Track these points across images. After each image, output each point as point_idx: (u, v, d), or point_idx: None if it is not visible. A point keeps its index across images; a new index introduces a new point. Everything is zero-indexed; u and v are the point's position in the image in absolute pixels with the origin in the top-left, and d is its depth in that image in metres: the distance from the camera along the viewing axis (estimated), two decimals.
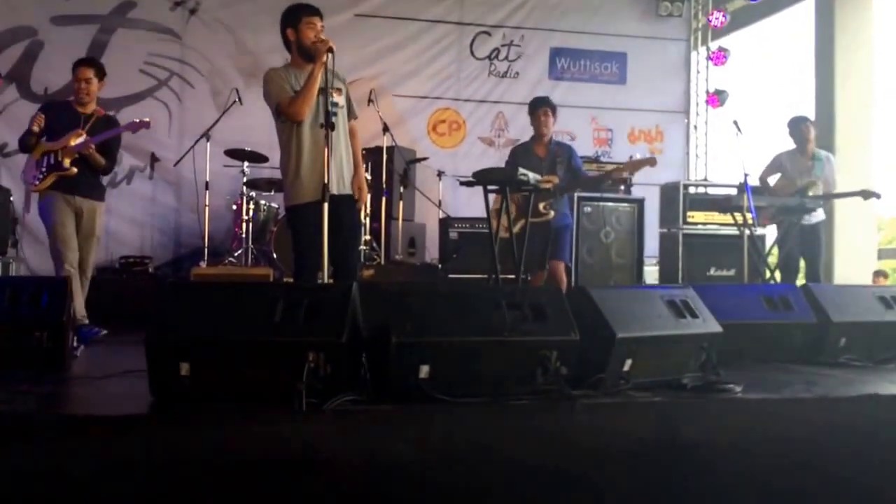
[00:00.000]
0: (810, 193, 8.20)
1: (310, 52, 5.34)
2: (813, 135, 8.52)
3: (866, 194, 8.41)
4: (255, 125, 9.83)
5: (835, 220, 10.69)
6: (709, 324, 4.68)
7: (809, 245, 8.28)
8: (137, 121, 6.70)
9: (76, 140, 6.43)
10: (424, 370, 3.86)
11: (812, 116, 11.02)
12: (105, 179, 7.02)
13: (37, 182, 6.43)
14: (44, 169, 6.42)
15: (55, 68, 9.66)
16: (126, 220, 10.28)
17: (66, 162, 6.39)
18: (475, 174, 6.45)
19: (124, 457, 3.07)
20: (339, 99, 5.44)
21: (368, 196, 5.76)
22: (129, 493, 2.79)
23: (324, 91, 5.23)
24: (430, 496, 3.00)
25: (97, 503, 2.69)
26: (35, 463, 2.95)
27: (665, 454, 3.61)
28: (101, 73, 6.75)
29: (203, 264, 8.82)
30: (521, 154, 7.51)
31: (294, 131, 5.40)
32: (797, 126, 8.53)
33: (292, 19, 5.47)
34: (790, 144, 8.58)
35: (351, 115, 5.72)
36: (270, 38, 10.55)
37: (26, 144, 6.52)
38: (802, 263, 8.39)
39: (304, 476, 3.03)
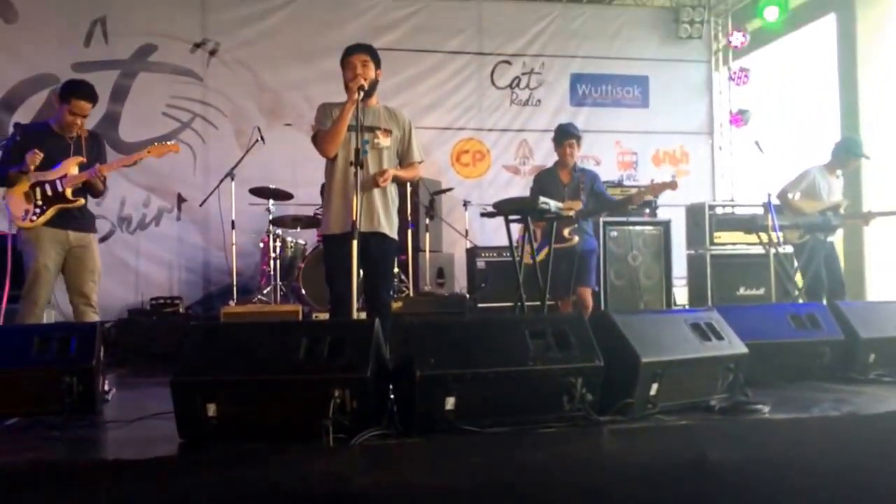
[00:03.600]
0: (842, 211, 8.18)
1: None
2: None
3: None
4: (279, 163, 10.06)
5: (864, 236, 10.63)
6: (734, 345, 4.66)
7: (829, 261, 8.22)
8: (168, 144, 6.32)
9: (75, 167, 6.00)
10: (450, 402, 3.87)
11: (837, 130, 11.00)
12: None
13: (34, 217, 5.93)
14: (39, 202, 5.94)
15: None
16: (155, 261, 10.43)
17: (69, 192, 5.98)
18: (496, 204, 6.45)
19: (156, 501, 3.09)
20: (385, 140, 5.51)
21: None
22: None
23: (355, 129, 5.23)
24: None
25: None
26: None
27: (694, 476, 3.61)
28: (95, 102, 6.18)
29: (232, 303, 8.88)
30: (544, 180, 7.56)
31: (329, 164, 5.51)
32: (848, 152, 8.43)
33: (341, 60, 5.54)
34: (815, 159, 8.51)
35: (410, 158, 5.71)
36: (290, 75, 10.94)
37: (6, 178, 6.00)
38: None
39: None
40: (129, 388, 6.22)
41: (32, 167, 5.88)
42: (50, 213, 5.97)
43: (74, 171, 6.04)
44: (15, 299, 7.31)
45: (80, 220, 6.14)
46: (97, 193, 6.27)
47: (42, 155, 5.89)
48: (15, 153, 6.01)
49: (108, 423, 4.58)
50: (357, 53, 5.49)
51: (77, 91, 6.04)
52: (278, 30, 11.08)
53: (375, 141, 5.46)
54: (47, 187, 5.96)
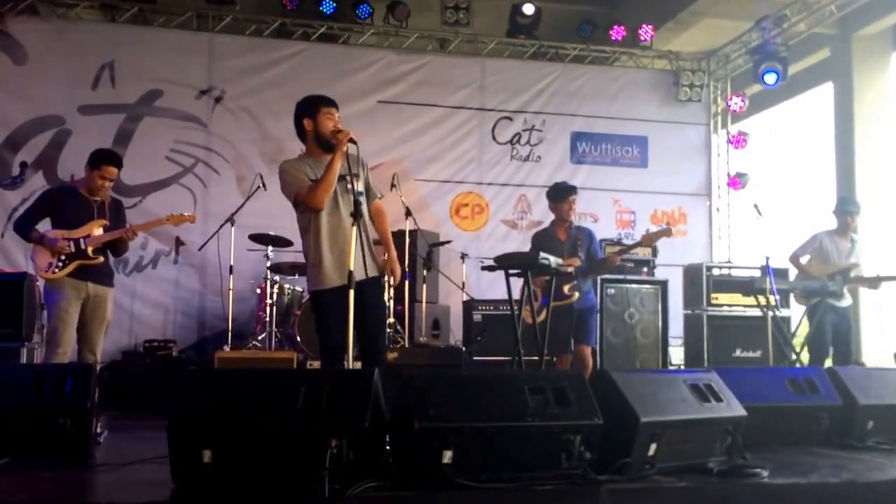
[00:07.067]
0: (852, 275, 8.21)
1: (329, 141, 5.35)
2: (857, 222, 8.56)
3: None
4: (279, 210, 9.85)
5: (860, 301, 10.66)
6: (733, 407, 4.66)
7: (842, 329, 8.25)
8: (185, 215, 6.95)
9: (98, 229, 6.46)
10: (447, 455, 3.85)
11: (834, 195, 11.12)
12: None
13: (56, 270, 6.33)
14: (63, 257, 6.34)
15: (82, 156, 9.59)
16: (151, 303, 10.37)
17: (90, 250, 6.39)
18: (497, 259, 6.45)
19: None
20: (359, 185, 5.42)
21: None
22: None
23: (344, 179, 5.25)
24: None
25: None
26: None
27: None
28: (121, 169, 6.79)
29: (227, 348, 8.83)
30: (543, 239, 7.57)
31: (313, 218, 5.38)
32: (839, 210, 8.60)
33: (310, 110, 5.50)
34: (812, 222, 8.62)
35: (373, 196, 5.69)
36: (292, 124, 10.90)
37: (28, 236, 6.49)
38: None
39: None
40: (121, 430, 6.17)
41: (60, 252, 6.36)
42: (71, 267, 6.38)
43: (97, 231, 6.50)
44: (7, 338, 7.39)
45: (99, 274, 6.55)
46: (121, 252, 6.80)
47: (72, 250, 6.38)
48: (40, 213, 6.63)
49: (101, 466, 4.54)
50: (333, 106, 5.50)
51: (107, 158, 6.62)
52: (283, 80, 11.09)
53: (359, 190, 5.34)
54: (70, 244, 6.41)
